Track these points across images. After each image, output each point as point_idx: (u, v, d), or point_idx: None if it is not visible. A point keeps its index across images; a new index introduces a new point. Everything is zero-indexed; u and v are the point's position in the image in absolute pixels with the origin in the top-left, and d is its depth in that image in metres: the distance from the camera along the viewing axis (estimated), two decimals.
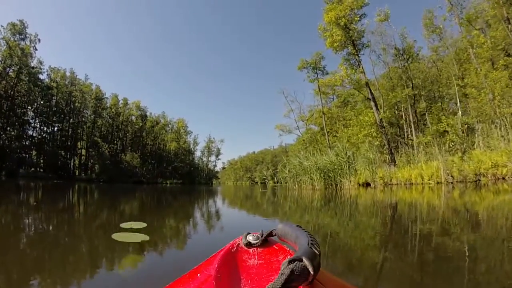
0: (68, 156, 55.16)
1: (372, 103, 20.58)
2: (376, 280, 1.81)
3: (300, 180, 15.04)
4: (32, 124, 51.80)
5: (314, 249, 0.54)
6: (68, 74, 56.47)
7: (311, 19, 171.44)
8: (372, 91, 25.80)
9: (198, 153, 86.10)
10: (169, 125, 74.05)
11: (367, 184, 14.55)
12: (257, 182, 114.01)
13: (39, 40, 50.40)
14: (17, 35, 47.84)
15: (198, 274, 0.62)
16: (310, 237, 0.61)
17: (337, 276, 0.71)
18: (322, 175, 13.70)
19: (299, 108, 38.77)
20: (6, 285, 1.62)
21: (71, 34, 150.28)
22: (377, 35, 23.78)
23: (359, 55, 21.15)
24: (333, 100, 36.78)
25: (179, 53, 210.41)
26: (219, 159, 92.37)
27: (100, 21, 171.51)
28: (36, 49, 49.29)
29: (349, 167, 13.59)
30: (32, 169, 49.38)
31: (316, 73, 30.87)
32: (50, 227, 3.62)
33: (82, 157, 57.72)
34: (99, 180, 46.01)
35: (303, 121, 36.88)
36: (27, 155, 51.32)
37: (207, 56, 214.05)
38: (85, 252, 2.40)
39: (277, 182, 22.67)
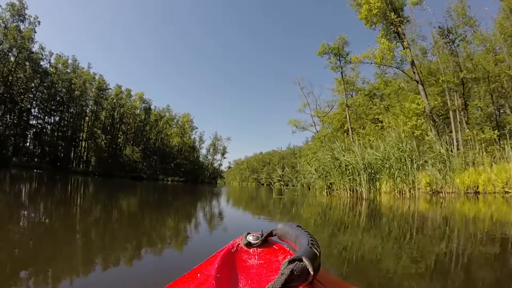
0: (66, 147, 52.27)
1: (420, 87, 16.45)
2: None
3: (331, 183, 10.92)
4: (32, 113, 49.15)
5: (314, 249, 0.52)
6: (70, 61, 53.49)
7: (323, 19, 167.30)
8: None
9: (203, 151, 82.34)
10: (174, 120, 70.67)
11: (391, 191, 10.51)
12: (263, 184, 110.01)
13: (39, 22, 47.34)
14: (16, 16, 44.84)
15: (198, 274, 0.61)
16: (310, 237, 0.59)
17: (337, 276, 0.66)
18: (368, 176, 9.64)
19: (315, 103, 34.67)
20: None
21: (84, 26, 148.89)
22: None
23: (402, 27, 16.99)
24: (352, 96, 32.55)
25: (187, 50, 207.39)
26: (225, 157, 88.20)
27: (110, 13, 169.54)
28: (35, 32, 46.10)
29: (411, 165, 9.35)
30: (26, 158, 46.36)
31: (339, 60, 26.74)
32: None
33: (82, 149, 54.71)
34: (94, 174, 42.69)
35: (319, 117, 32.72)
36: (24, 144, 48.61)
37: (215, 54, 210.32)
38: None
39: (286, 185, 18.60)
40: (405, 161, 9.14)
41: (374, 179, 9.52)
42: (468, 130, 16.75)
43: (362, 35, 54.14)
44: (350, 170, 9.62)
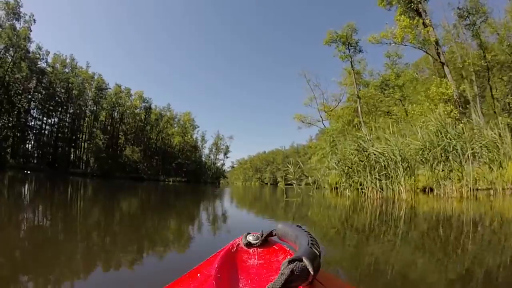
0: (65, 148, 51.07)
1: (446, 69, 14.72)
2: None
3: (353, 181, 8.95)
4: (31, 113, 47.98)
5: (314, 249, 0.53)
6: (68, 61, 52.20)
7: (324, 19, 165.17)
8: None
9: (206, 151, 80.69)
10: (175, 119, 69.06)
11: (430, 190, 8.65)
12: (267, 183, 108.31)
13: (34, 20, 46.04)
14: (11, 15, 43.66)
15: (198, 274, 0.60)
16: (310, 237, 0.59)
17: (337, 276, 0.69)
18: (405, 171, 7.80)
19: (322, 97, 32.84)
20: None
21: (79, 28, 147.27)
22: None
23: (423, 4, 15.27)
24: (360, 89, 30.68)
25: (187, 53, 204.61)
26: (227, 157, 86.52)
27: (105, 16, 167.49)
28: (31, 30, 44.82)
29: (462, 155, 7.24)
30: (23, 160, 45.07)
31: (348, 49, 24.98)
32: None
33: (82, 150, 53.45)
34: (93, 175, 41.32)
35: (326, 112, 30.92)
36: (23, 146, 47.43)
37: (215, 57, 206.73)
38: None
39: (299, 184, 16.85)
40: (453, 150, 7.36)
41: (409, 175, 7.78)
42: (501, 117, 15.06)
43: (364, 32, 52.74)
44: (382, 164, 7.90)
